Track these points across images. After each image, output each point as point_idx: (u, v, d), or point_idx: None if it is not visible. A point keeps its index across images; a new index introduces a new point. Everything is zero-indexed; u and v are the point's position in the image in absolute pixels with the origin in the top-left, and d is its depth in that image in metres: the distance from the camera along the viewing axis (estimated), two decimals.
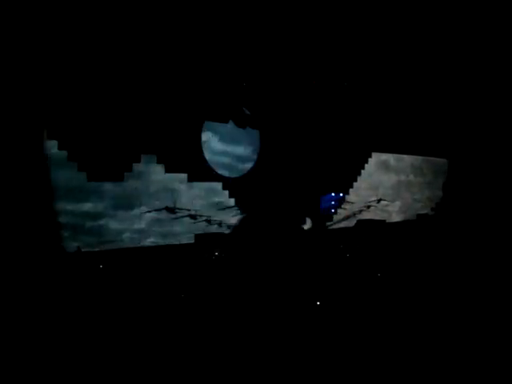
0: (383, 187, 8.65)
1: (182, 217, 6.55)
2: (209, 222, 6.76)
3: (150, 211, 6.29)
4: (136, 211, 6.21)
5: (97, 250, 5.90)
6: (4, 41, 4.86)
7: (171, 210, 6.44)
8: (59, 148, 5.58)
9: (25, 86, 5.15)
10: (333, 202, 8.14)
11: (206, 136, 6.77)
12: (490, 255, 6.22)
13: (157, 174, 6.38)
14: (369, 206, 8.49)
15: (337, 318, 4.11)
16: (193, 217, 6.62)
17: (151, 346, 3.44)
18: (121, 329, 3.82)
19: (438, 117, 8.88)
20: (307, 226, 7.83)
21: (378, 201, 8.58)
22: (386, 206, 8.63)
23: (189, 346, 3.46)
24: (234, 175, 7.08)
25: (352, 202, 8.29)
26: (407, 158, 9.09)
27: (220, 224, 6.87)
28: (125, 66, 5.84)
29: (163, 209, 6.38)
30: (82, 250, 5.76)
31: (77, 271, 5.41)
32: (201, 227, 6.70)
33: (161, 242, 6.43)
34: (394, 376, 3.00)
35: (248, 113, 7.07)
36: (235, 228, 6.96)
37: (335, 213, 8.18)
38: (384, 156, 8.73)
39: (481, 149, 9.21)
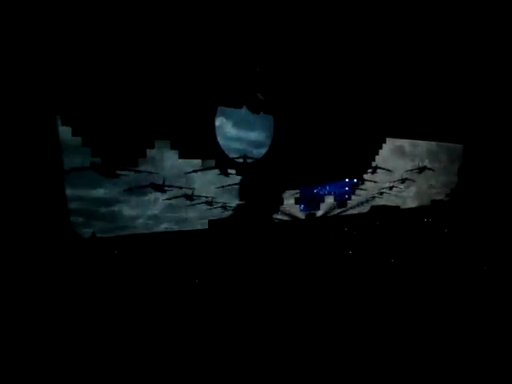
0: (398, 173, 8.53)
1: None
2: (224, 208, 6.80)
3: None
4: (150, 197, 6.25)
5: (111, 235, 5.95)
6: (21, 35, 4.81)
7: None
8: (73, 134, 5.58)
9: (40, 74, 5.13)
10: (347, 188, 8.06)
11: (220, 121, 6.69)
12: (505, 242, 6.14)
13: (171, 159, 6.36)
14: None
15: (350, 303, 4.09)
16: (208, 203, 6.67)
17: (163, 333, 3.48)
18: (134, 314, 3.86)
19: (453, 102, 8.71)
20: (320, 212, 7.79)
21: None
22: (401, 191, 8.53)
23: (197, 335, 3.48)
24: (247, 160, 7.01)
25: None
26: (422, 144, 8.94)
27: (233, 209, 6.88)
28: (139, 52, 5.76)
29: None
30: (97, 235, 5.82)
31: (92, 256, 5.46)
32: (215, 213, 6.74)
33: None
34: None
35: (262, 98, 6.96)
36: (247, 214, 6.94)
37: (349, 199, 8.11)
38: (399, 142, 8.58)
39: (496, 134, 9.04)
